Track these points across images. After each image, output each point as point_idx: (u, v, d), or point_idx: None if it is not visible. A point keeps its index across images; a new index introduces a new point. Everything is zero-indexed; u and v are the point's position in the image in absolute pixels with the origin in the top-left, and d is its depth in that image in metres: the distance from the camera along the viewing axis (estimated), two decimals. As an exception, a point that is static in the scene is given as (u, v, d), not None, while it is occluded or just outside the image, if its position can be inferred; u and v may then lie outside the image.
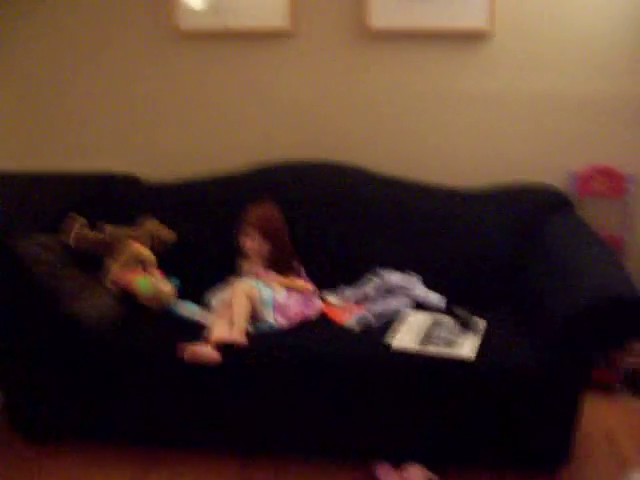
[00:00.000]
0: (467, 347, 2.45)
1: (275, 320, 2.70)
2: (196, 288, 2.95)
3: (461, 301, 2.80)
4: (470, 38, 3.04)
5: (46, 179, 3.38)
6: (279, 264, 2.95)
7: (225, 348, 2.50)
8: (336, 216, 3.08)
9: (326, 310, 2.85)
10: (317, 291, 2.94)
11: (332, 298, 2.92)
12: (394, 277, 2.91)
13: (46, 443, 2.86)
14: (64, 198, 3.23)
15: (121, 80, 3.34)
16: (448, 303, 2.83)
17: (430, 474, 2.53)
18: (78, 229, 2.83)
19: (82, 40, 3.31)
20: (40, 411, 2.76)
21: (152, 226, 3.04)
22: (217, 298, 2.86)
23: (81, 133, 3.46)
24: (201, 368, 2.47)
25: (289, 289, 2.86)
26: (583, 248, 2.55)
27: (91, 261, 2.90)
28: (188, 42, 3.24)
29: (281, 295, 2.79)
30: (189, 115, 3.35)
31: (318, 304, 2.88)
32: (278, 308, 2.73)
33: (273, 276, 2.91)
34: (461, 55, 3.08)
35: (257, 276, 2.91)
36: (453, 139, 3.19)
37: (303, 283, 2.93)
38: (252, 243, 2.94)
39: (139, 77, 3.32)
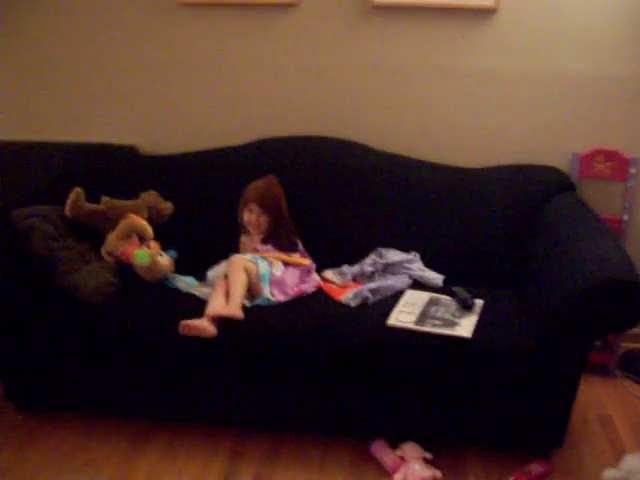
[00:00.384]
0: (464, 327, 2.44)
1: (272, 295, 2.68)
2: (194, 261, 2.94)
3: (460, 280, 2.79)
4: (475, 14, 2.99)
5: (44, 150, 3.37)
6: (277, 238, 2.94)
7: (221, 322, 2.49)
8: (336, 192, 3.05)
9: (323, 286, 2.83)
10: (314, 266, 2.92)
11: (330, 274, 2.90)
12: (393, 254, 2.89)
13: (39, 413, 2.87)
14: (61, 169, 3.21)
15: (121, 51, 3.28)
16: (447, 282, 2.82)
17: (425, 452, 2.54)
18: (74, 200, 2.81)
19: (82, 11, 3.24)
20: (34, 381, 2.76)
21: (150, 198, 3.02)
22: (214, 272, 2.85)
23: (80, 105, 3.41)
24: (197, 342, 2.45)
25: (286, 264, 2.84)
26: (583, 230, 2.53)
27: (88, 232, 2.88)
28: (189, 12, 3.17)
29: (278, 270, 2.77)
30: (190, 87, 3.29)
31: (315, 279, 2.86)
32: (275, 283, 2.72)
33: (271, 251, 2.89)
34: (465, 31, 3.02)
35: (255, 250, 2.90)
36: (456, 117, 3.15)
37: (300, 258, 2.91)
38: (251, 216, 2.93)
39: (140, 48, 3.26)
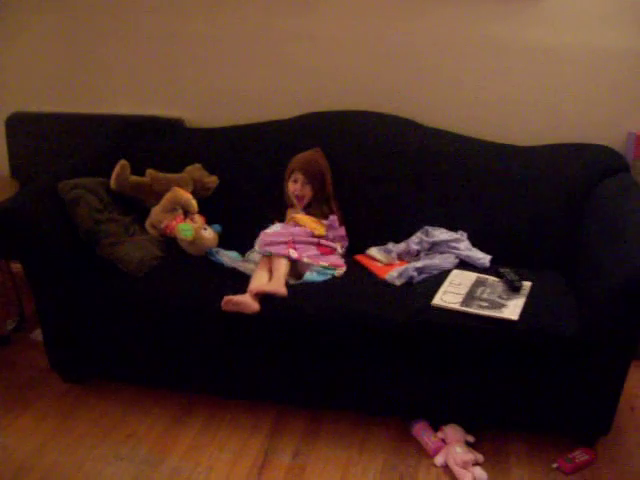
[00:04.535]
0: (511, 309, 2.39)
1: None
2: (239, 236, 2.94)
3: (508, 261, 2.74)
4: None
5: (91, 121, 3.41)
6: (314, 209, 2.93)
7: (264, 299, 2.48)
8: (384, 168, 3.01)
9: (367, 263, 2.80)
10: (343, 248, 2.90)
11: (375, 252, 2.87)
12: (440, 233, 2.85)
13: (83, 383, 2.91)
14: (108, 141, 3.23)
15: (169, 25, 3.28)
16: (495, 262, 2.77)
17: (467, 435, 2.51)
18: (120, 172, 2.82)
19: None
20: (78, 352, 2.79)
21: (195, 171, 3.02)
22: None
23: (128, 77, 3.43)
24: (239, 317, 2.45)
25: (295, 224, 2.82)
26: (637, 213, 2.45)
27: (133, 205, 2.89)
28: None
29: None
30: (237, 61, 3.28)
31: (339, 261, 2.80)
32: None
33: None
34: (519, 5, 2.94)
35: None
36: (507, 93, 3.08)
37: (317, 224, 2.85)
38: (296, 185, 2.91)
39: (188, 22, 3.26)
